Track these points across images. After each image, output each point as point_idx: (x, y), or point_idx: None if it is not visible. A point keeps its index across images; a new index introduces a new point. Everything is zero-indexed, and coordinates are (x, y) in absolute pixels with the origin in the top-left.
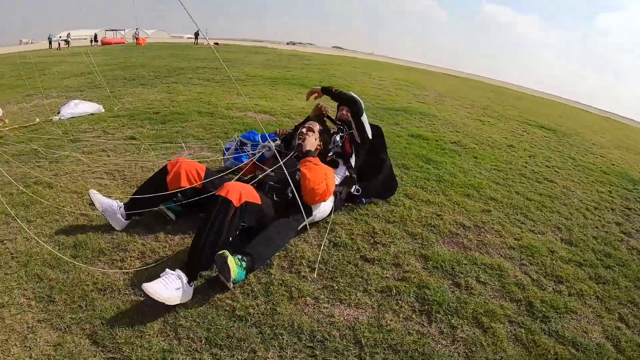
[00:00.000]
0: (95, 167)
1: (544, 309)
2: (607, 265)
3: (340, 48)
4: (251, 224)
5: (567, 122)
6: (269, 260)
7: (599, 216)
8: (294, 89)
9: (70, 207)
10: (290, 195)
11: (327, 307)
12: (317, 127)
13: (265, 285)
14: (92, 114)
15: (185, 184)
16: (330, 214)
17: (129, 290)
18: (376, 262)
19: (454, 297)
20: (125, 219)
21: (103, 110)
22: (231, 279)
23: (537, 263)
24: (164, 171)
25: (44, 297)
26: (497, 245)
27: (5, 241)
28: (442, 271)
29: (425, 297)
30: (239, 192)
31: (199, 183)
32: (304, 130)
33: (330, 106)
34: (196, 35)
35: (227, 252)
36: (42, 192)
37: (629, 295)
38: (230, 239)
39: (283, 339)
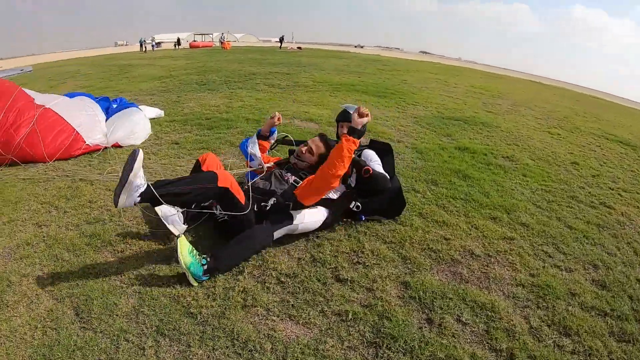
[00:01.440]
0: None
1: None
2: None
3: (427, 53)
4: (226, 210)
5: None
6: (239, 266)
7: None
8: (353, 96)
9: (100, 202)
10: (269, 206)
11: (275, 321)
12: (320, 148)
13: (227, 290)
14: (153, 118)
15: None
16: (320, 228)
17: (115, 277)
18: (348, 283)
19: (417, 335)
20: (183, 223)
21: (163, 115)
22: (181, 262)
23: (547, 307)
24: (197, 164)
25: (54, 273)
26: (503, 281)
27: (42, 226)
28: (419, 303)
29: (383, 328)
30: (230, 181)
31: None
32: (304, 149)
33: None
34: (281, 39)
35: (182, 236)
36: (83, 188)
37: None
38: (193, 205)
39: (218, 340)
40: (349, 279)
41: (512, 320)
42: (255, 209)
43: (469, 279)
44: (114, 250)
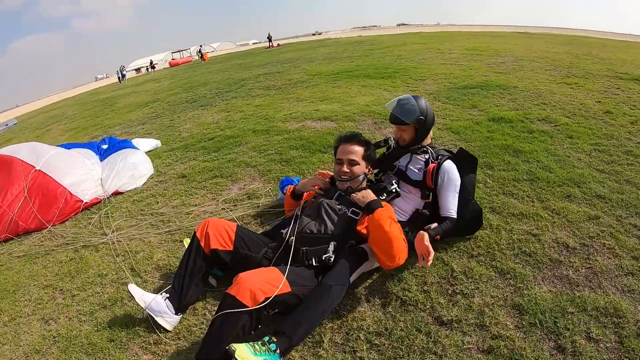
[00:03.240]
0: (141, 220)
1: None
2: None
3: (405, 25)
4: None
5: None
6: (314, 335)
7: None
8: (357, 83)
9: (112, 274)
10: (332, 256)
11: None
12: (359, 154)
13: None
14: (150, 151)
15: (216, 246)
16: None
17: None
18: (455, 324)
19: None
20: (175, 313)
21: (160, 144)
22: None
23: None
24: (194, 239)
25: None
26: (611, 273)
27: (50, 321)
28: (542, 329)
29: None
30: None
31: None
32: (344, 169)
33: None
34: (269, 38)
35: (234, 346)
36: (88, 258)
37: None
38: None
39: None
40: (454, 318)
41: (639, 321)
42: (314, 263)
43: (578, 281)
44: (144, 343)
